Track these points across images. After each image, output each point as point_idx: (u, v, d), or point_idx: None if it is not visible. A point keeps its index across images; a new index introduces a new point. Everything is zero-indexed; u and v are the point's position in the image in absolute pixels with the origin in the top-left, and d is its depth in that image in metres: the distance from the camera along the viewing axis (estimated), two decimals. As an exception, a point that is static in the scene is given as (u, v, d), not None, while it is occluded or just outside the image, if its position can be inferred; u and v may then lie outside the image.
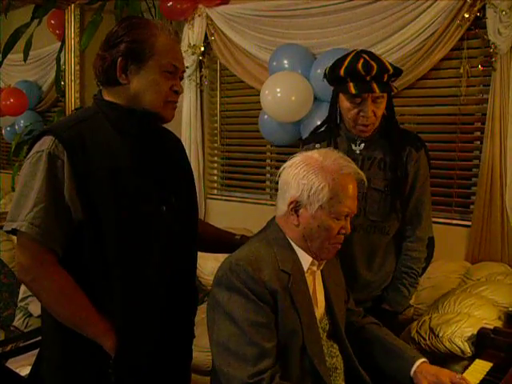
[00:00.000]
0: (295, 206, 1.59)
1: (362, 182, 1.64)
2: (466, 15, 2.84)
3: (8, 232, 1.48)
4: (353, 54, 2.02)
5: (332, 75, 2.05)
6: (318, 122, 2.39)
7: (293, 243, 1.63)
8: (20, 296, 3.36)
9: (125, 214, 1.50)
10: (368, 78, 1.95)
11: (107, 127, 1.56)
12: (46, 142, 1.47)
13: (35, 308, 3.25)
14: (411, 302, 2.89)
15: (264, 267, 1.53)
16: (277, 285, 1.52)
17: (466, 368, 1.93)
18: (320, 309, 1.68)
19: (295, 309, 1.55)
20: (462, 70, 2.99)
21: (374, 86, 1.95)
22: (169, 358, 1.61)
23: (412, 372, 1.66)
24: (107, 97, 1.60)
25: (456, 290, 2.60)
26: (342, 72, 1.99)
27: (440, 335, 2.21)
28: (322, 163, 1.58)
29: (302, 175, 1.57)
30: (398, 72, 2.03)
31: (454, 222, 3.13)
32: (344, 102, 2.05)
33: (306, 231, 1.60)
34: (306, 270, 1.62)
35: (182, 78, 1.65)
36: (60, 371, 1.59)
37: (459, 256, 3.04)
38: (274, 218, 1.69)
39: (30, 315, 3.31)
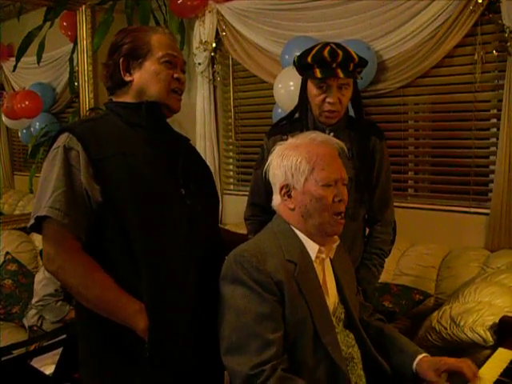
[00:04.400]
0: (286, 191, 1.64)
1: (342, 149, 1.70)
2: (480, 0, 2.80)
3: (33, 229, 1.53)
4: (321, 44, 2.12)
5: (300, 63, 2.13)
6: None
7: (298, 232, 1.65)
8: (33, 300, 3.37)
9: (142, 194, 1.54)
10: (334, 65, 2.04)
11: (118, 122, 1.65)
12: (62, 139, 1.55)
13: (48, 316, 3.27)
14: (431, 291, 2.89)
15: (269, 258, 1.55)
16: (282, 275, 1.53)
17: (488, 357, 1.92)
18: (332, 298, 1.68)
19: (303, 297, 1.55)
20: (476, 57, 2.95)
21: (339, 71, 2.04)
22: (204, 340, 1.61)
23: (414, 365, 1.66)
24: (116, 100, 1.72)
25: (476, 279, 2.58)
26: (309, 59, 2.08)
27: (461, 324, 2.20)
28: (296, 143, 1.67)
29: (281, 159, 1.65)
30: (363, 62, 2.12)
31: (472, 210, 3.10)
32: (312, 89, 2.13)
33: (302, 210, 1.62)
34: (313, 258, 1.63)
35: (184, 71, 1.76)
36: (95, 366, 1.62)
37: (478, 244, 3.02)
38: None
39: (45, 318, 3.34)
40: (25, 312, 3.45)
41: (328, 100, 2.08)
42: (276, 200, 1.70)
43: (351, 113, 2.25)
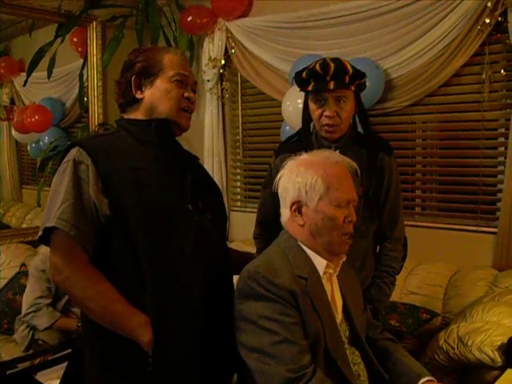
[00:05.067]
0: (297, 207, 1.65)
1: (354, 169, 1.72)
2: (487, 20, 2.81)
3: (41, 240, 1.55)
4: (318, 59, 2.12)
5: (297, 79, 2.14)
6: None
7: (306, 248, 1.65)
8: (23, 312, 3.33)
9: (149, 209, 1.55)
10: (328, 78, 2.03)
11: (128, 139, 1.68)
12: (72, 153, 1.59)
13: (40, 322, 3.24)
14: (438, 311, 2.87)
15: (281, 274, 1.56)
16: (296, 288, 1.54)
17: (496, 378, 1.90)
18: (339, 314, 1.68)
19: (316, 311, 1.56)
20: (484, 76, 2.96)
21: (331, 83, 2.03)
22: (209, 354, 1.61)
23: None
24: (127, 117, 1.75)
25: (484, 298, 2.56)
26: (304, 74, 2.09)
27: (469, 344, 2.17)
28: (311, 160, 1.68)
29: (295, 175, 1.65)
30: (359, 74, 2.08)
31: (480, 229, 3.09)
32: (311, 104, 2.14)
33: (312, 228, 1.63)
34: (321, 274, 1.64)
35: (194, 91, 1.78)
36: (100, 380, 1.62)
37: (486, 263, 3.00)
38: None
39: (35, 328, 3.30)
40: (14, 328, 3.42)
41: (325, 113, 2.08)
42: (285, 215, 1.70)
43: (359, 129, 2.24)
